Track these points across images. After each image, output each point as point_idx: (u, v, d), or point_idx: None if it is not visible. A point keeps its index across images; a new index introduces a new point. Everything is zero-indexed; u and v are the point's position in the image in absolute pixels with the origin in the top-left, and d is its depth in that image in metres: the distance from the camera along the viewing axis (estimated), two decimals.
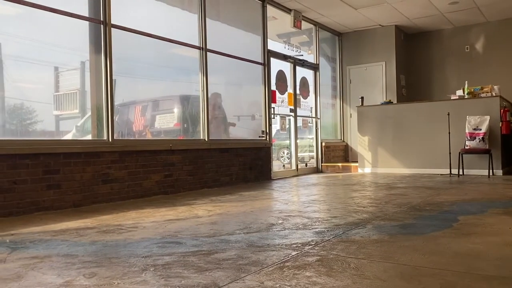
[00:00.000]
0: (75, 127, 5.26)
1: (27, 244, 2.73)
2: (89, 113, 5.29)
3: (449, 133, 7.29)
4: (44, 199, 4.13)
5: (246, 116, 7.77)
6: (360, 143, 8.66)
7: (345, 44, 10.13)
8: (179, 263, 2.21)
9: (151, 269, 2.11)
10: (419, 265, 2.08)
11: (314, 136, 9.15)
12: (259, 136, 7.34)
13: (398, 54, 9.60)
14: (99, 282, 1.92)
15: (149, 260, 2.27)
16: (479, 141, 7.05)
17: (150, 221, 3.51)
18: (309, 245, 2.55)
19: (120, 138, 4.97)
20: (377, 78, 9.72)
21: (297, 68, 8.57)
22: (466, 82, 7.88)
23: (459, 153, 7.15)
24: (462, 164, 7.22)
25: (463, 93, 7.76)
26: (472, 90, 7.72)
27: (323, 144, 9.13)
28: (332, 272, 2.01)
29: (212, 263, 2.20)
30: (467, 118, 7.22)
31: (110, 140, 4.81)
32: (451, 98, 7.87)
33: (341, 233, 2.89)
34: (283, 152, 15.98)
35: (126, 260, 2.28)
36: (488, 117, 7.08)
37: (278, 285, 1.85)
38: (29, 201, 4.01)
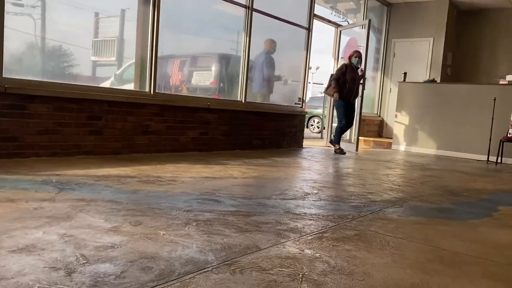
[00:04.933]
0: (113, 75, 5.33)
1: (73, 186, 2.84)
2: (128, 62, 5.33)
3: (493, 119, 7.04)
4: (86, 144, 4.26)
5: (280, 80, 7.68)
6: (396, 120, 8.49)
7: (393, 15, 9.75)
8: (220, 221, 2.26)
9: (193, 224, 2.17)
10: (460, 252, 2.07)
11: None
12: (295, 103, 7.28)
13: (448, 31, 9.19)
14: (145, 230, 1.99)
15: (190, 215, 2.34)
16: None
17: (187, 176, 3.58)
18: (347, 219, 2.56)
19: (160, 92, 5.01)
20: (422, 54, 9.38)
21: (342, 36, 8.33)
22: None
23: (500, 140, 6.92)
24: (502, 153, 7.00)
25: None
26: None
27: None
28: (371, 248, 2.02)
29: (251, 225, 2.24)
30: None
31: (151, 92, 4.86)
32: (500, 82, 7.55)
33: (377, 210, 2.88)
34: (314, 121, 15.86)
35: (168, 212, 2.35)
36: None
37: (318, 254, 1.87)
38: (72, 144, 4.15)
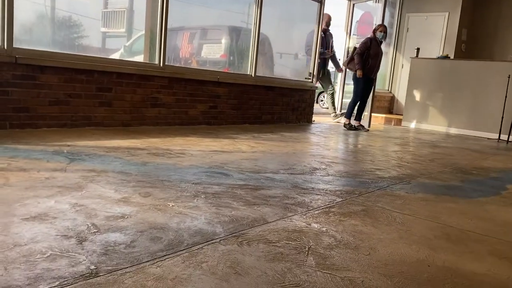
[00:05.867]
0: (123, 47, 5.31)
1: (83, 156, 2.88)
2: (137, 34, 5.30)
3: (506, 96, 6.93)
4: (96, 115, 4.28)
5: (291, 54, 7.60)
6: (408, 96, 8.39)
7: None
8: (228, 194, 2.29)
9: (202, 196, 2.19)
10: (466, 229, 2.08)
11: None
12: (305, 78, 7.21)
13: (464, 6, 8.96)
14: (155, 202, 2.02)
15: (199, 187, 2.36)
16: None
17: (196, 149, 3.61)
18: (354, 194, 2.57)
19: (169, 64, 4.99)
20: (437, 29, 9.18)
21: (355, 10, 8.17)
22: None
23: None
24: None
25: None
26: None
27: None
28: (378, 223, 2.04)
29: (259, 199, 2.27)
30: None
31: (161, 65, 4.84)
32: None
33: (385, 186, 2.89)
34: (323, 96, 15.73)
35: (177, 185, 2.38)
36: None
37: (324, 228, 1.89)
38: (82, 115, 4.17)
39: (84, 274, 1.25)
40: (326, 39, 7.49)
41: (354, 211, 2.20)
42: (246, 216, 1.95)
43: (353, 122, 6.87)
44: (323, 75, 7.75)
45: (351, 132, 6.52)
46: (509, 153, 5.56)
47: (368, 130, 6.82)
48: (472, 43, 9.50)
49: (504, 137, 6.99)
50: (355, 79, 6.84)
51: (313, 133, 5.86)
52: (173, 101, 4.98)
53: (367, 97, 6.97)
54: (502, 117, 6.96)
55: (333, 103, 8.00)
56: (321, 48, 7.22)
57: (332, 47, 7.63)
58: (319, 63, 7.30)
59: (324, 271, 1.44)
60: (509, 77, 6.90)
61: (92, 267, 1.30)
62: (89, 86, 4.20)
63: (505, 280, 1.52)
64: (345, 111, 7.12)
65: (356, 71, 6.68)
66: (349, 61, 6.86)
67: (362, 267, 1.51)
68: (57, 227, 1.61)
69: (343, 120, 7.15)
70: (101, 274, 1.27)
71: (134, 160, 2.91)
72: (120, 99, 4.47)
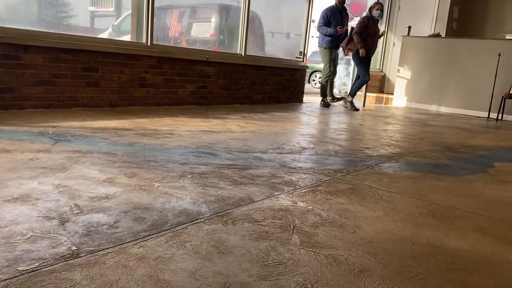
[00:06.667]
0: (111, 26, 5.20)
1: (69, 137, 2.84)
2: (126, 13, 5.19)
3: (496, 75, 6.93)
4: (83, 96, 4.22)
5: (282, 33, 7.50)
6: (399, 75, 8.37)
7: None
8: (215, 174, 2.27)
9: (189, 176, 2.18)
10: (452, 206, 2.09)
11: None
12: (296, 57, 7.14)
13: None
14: (140, 182, 2.00)
15: (186, 168, 2.34)
16: None
17: (185, 129, 3.57)
18: (342, 173, 2.57)
19: (157, 43, 4.90)
20: (428, 7, 9.10)
21: None
22: None
23: (503, 97, 6.85)
24: (503, 109, 6.95)
25: None
26: None
27: None
28: (364, 201, 2.04)
29: (246, 178, 2.26)
30: None
31: (148, 44, 4.76)
32: (506, 37, 7.37)
33: (373, 164, 2.89)
34: (315, 76, 15.65)
35: (164, 165, 2.36)
36: None
37: (311, 207, 1.89)
38: (68, 96, 4.11)
39: (64, 255, 1.24)
40: (342, 17, 6.91)
41: (341, 190, 2.20)
42: (232, 196, 1.94)
43: (346, 98, 6.84)
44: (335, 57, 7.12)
45: (342, 111, 6.51)
46: (498, 132, 5.59)
47: (358, 109, 6.80)
48: (463, 21, 9.45)
49: (493, 115, 7.02)
50: (357, 58, 6.66)
51: (303, 113, 5.84)
52: (161, 81, 4.91)
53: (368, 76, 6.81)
54: (492, 96, 6.98)
55: (331, 88, 7.33)
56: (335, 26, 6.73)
57: (346, 25, 7.18)
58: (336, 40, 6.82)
59: (308, 249, 1.44)
60: (499, 55, 6.90)
61: (73, 248, 1.29)
62: (75, 66, 4.12)
63: (488, 256, 1.53)
64: (341, 95, 7.05)
65: (357, 50, 6.54)
66: (348, 42, 6.70)
67: (347, 245, 1.51)
68: (39, 208, 1.59)
69: (341, 102, 7.09)
70: (82, 254, 1.25)
71: (120, 141, 2.88)
72: (108, 79, 4.40)
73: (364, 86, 7.11)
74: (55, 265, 1.17)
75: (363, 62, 6.64)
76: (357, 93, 6.97)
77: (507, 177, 2.88)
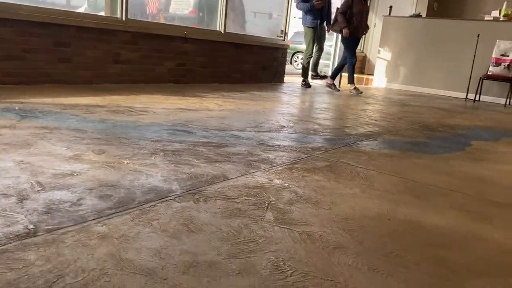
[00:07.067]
0: (87, 2, 5.00)
1: (37, 114, 2.71)
2: None
3: (475, 55, 6.96)
4: (55, 72, 4.05)
5: (265, 13, 7.37)
6: (379, 56, 8.34)
7: None
8: (189, 152, 2.19)
9: (161, 154, 2.10)
10: (430, 184, 2.06)
11: (334, 43, 8.76)
12: (277, 36, 7.03)
13: None
14: (109, 159, 1.91)
15: (159, 145, 2.26)
16: (504, 68, 6.76)
17: (160, 107, 3.47)
18: (319, 151, 2.52)
19: (132, 18, 4.73)
20: None
21: None
22: (505, 3, 7.33)
23: (480, 78, 6.89)
24: (480, 90, 7.00)
25: (499, 14, 7.26)
26: (510, 12, 7.21)
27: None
28: (341, 179, 2.00)
29: (222, 156, 2.19)
30: (497, 42, 6.84)
31: (123, 19, 4.58)
32: (485, 18, 7.39)
33: (351, 142, 2.85)
34: (297, 57, 15.52)
35: (135, 142, 2.27)
36: None
37: (287, 184, 1.84)
38: (39, 72, 3.94)
39: (20, 234, 1.16)
40: None
41: (318, 167, 2.16)
42: (206, 173, 1.87)
43: (328, 80, 6.75)
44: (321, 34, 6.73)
45: (323, 92, 6.46)
46: (476, 112, 5.64)
47: (339, 90, 6.76)
48: (444, 2, 9.44)
49: (471, 96, 7.07)
50: (343, 40, 6.54)
51: (284, 93, 5.77)
52: (137, 57, 4.76)
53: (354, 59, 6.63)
54: (470, 77, 7.01)
55: (316, 64, 6.97)
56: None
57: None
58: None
59: (282, 226, 1.39)
60: (478, 36, 6.91)
61: (31, 226, 1.21)
62: (46, 41, 3.94)
63: (465, 232, 1.51)
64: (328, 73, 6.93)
65: (341, 31, 6.40)
66: (334, 23, 6.53)
67: (322, 222, 1.46)
68: None
69: (325, 81, 6.99)
70: (39, 233, 1.17)
71: (91, 118, 2.77)
72: (81, 55, 4.23)
73: (343, 67, 7.02)
74: (8, 245, 1.09)
75: (349, 43, 6.50)
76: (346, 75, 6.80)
77: (484, 155, 2.88)
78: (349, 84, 6.69)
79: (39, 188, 1.49)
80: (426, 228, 1.51)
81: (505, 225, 1.61)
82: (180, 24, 5.76)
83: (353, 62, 6.59)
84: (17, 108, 2.83)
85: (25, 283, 0.94)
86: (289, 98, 5.23)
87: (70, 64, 4.16)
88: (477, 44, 6.92)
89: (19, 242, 1.11)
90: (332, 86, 6.75)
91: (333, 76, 6.80)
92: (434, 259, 1.27)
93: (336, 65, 6.92)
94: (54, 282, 0.96)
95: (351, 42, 6.50)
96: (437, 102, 6.41)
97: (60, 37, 4.03)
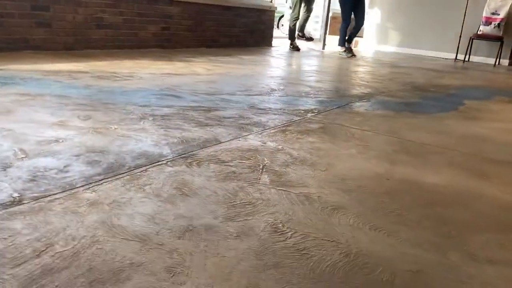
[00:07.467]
0: None
1: (18, 80, 2.59)
2: None
3: (465, 15, 6.86)
4: (34, 38, 3.88)
5: None
6: (369, 18, 8.18)
7: None
8: (179, 116, 2.12)
9: (150, 119, 2.02)
10: (426, 143, 2.03)
11: (322, 5, 8.53)
12: None
13: None
14: (95, 125, 1.84)
15: (147, 110, 2.18)
16: (494, 27, 6.69)
17: (146, 72, 3.35)
18: (312, 113, 2.47)
19: None
20: None
21: None
22: None
23: (470, 38, 6.82)
24: (470, 50, 6.95)
25: None
26: None
27: (331, 15, 8.58)
28: (336, 140, 1.95)
29: (212, 120, 2.12)
30: (488, 0, 6.73)
31: None
32: None
33: (344, 104, 2.80)
34: (284, 21, 15.19)
35: (123, 107, 2.18)
36: (510, 2, 6.60)
37: (280, 146, 1.79)
38: (18, 38, 3.77)
39: (4, 203, 1.09)
40: None
41: (312, 129, 2.11)
42: (197, 137, 1.81)
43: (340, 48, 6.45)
44: None
45: (313, 54, 6.35)
46: (466, 72, 5.60)
47: (355, 55, 6.43)
48: None
49: (461, 57, 7.02)
50: (340, 1, 6.26)
51: (273, 56, 5.65)
52: (120, 21, 4.58)
53: (362, 20, 6.29)
54: (460, 37, 6.94)
55: (303, 25, 6.80)
56: None
57: None
58: None
59: (279, 188, 1.35)
60: None
61: (15, 194, 1.14)
62: (23, 4, 3.75)
63: (463, 189, 1.48)
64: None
65: None
66: None
67: (319, 183, 1.42)
68: None
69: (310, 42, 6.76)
70: (25, 202, 1.11)
71: (75, 84, 2.66)
72: (61, 20, 4.05)
73: (328, 28, 6.79)
74: None
75: (345, 5, 6.22)
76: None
77: (477, 114, 2.85)
78: (339, 46, 6.54)
79: (23, 156, 1.42)
80: (424, 186, 1.48)
81: (503, 182, 1.59)
82: None
83: (344, 26, 6.36)
84: None
85: (12, 253, 0.89)
86: (278, 61, 5.12)
87: (50, 29, 3.98)
88: (467, 3, 6.80)
89: (3, 211, 1.05)
90: (346, 51, 6.40)
91: (349, 40, 6.45)
92: (435, 217, 1.25)
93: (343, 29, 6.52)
94: (42, 251, 0.91)
95: (350, 3, 6.23)
96: (427, 63, 6.35)
97: (37, 0, 3.84)
